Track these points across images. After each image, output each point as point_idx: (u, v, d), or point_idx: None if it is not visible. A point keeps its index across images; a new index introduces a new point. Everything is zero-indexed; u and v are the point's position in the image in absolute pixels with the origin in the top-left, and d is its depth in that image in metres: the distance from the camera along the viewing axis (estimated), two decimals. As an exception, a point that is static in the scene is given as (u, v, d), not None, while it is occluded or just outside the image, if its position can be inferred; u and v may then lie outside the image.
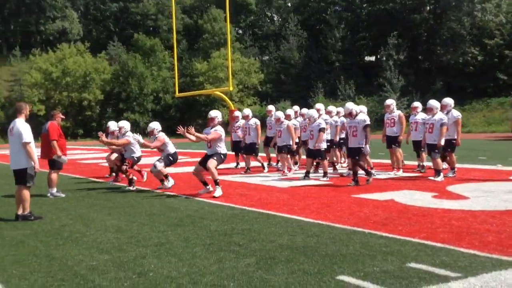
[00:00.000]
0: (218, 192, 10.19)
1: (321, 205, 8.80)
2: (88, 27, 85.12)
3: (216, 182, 10.28)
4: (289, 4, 76.27)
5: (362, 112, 12.07)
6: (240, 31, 78.53)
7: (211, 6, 73.75)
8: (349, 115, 11.69)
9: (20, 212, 8.40)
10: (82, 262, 5.60)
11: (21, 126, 8.30)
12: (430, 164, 12.82)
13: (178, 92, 34.10)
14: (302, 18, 68.41)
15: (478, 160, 16.82)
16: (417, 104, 13.67)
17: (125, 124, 13.05)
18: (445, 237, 6.21)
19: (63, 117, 12.08)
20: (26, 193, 8.38)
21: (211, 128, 10.65)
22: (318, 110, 14.44)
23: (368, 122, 11.42)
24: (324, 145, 12.68)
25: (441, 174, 11.70)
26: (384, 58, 57.78)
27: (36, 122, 61.84)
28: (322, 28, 64.10)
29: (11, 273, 5.29)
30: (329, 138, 13.74)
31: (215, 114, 10.79)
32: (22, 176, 8.35)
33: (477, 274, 4.76)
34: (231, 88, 31.03)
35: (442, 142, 11.69)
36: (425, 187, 10.67)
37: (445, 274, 4.78)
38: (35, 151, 8.38)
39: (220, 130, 10.51)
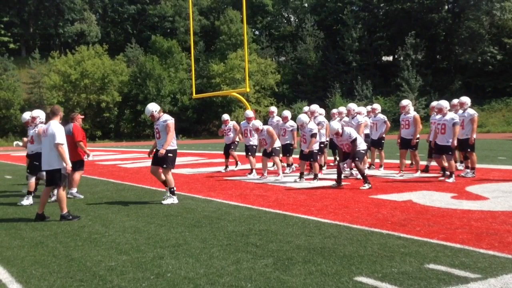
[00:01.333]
0: (170, 200, 9.86)
1: (338, 206, 8.76)
2: (106, 29, 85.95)
3: (171, 191, 9.96)
4: (306, 5, 76.14)
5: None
6: (257, 32, 78.70)
7: (227, 8, 73.96)
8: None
9: (40, 211, 8.55)
10: (101, 263, 5.64)
11: (55, 127, 8.49)
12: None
13: (195, 94, 34.24)
14: (319, 18, 68.33)
15: (498, 160, 16.64)
16: (435, 103, 13.55)
17: (40, 114, 10.95)
18: (464, 238, 6.15)
19: (82, 117, 12.24)
20: (62, 194, 8.54)
21: (158, 120, 10.05)
22: (313, 112, 14.33)
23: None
24: (316, 146, 12.69)
25: (453, 176, 11.65)
26: (402, 58, 57.52)
27: (55, 124, 62.30)
28: (339, 28, 64.00)
29: (31, 274, 5.34)
30: (322, 140, 13.82)
31: (152, 108, 10.09)
32: (54, 177, 8.51)
33: (497, 275, 4.71)
34: (248, 89, 31.09)
35: (456, 142, 11.62)
36: (444, 187, 10.58)
37: (464, 275, 4.73)
38: (67, 152, 8.53)
39: (169, 120, 9.98)
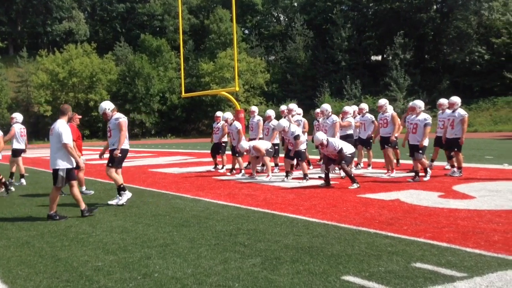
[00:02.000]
0: (124, 199, 9.69)
1: (326, 205, 8.78)
2: (94, 27, 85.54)
3: (119, 189, 9.72)
4: (295, 4, 76.26)
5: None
6: (246, 31, 78.72)
7: (217, 6, 73.89)
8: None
9: (83, 207, 8.69)
10: (87, 263, 5.61)
11: (62, 127, 8.49)
12: (436, 163, 12.73)
13: (185, 93, 34.20)
14: (309, 17, 68.47)
15: (485, 159, 16.75)
16: (411, 103, 13.47)
17: None
18: (451, 236, 6.18)
19: (79, 117, 12.19)
20: (55, 194, 8.54)
21: (111, 119, 9.81)
22: (290, 111, 14.46)
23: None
24: (303, 146, 12.73)
25: (429, 172, 11.78)
26: (390, 58, 57.76)
27: (43, 123, 62.05)
28: (328, 28, 64.12)
29: (17, 274, 5.30)
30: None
31: (105, 106, 9.85)
32: (54, 176, 8.53)
33: (483, 274, 4.73)
34: (237, 89, 31.13)
35: (425, 143, 11.59)
36: (431, 186, 10.63)
37: (450, 274, 4.76)
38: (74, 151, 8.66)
39: (122, 118, 9.79)
